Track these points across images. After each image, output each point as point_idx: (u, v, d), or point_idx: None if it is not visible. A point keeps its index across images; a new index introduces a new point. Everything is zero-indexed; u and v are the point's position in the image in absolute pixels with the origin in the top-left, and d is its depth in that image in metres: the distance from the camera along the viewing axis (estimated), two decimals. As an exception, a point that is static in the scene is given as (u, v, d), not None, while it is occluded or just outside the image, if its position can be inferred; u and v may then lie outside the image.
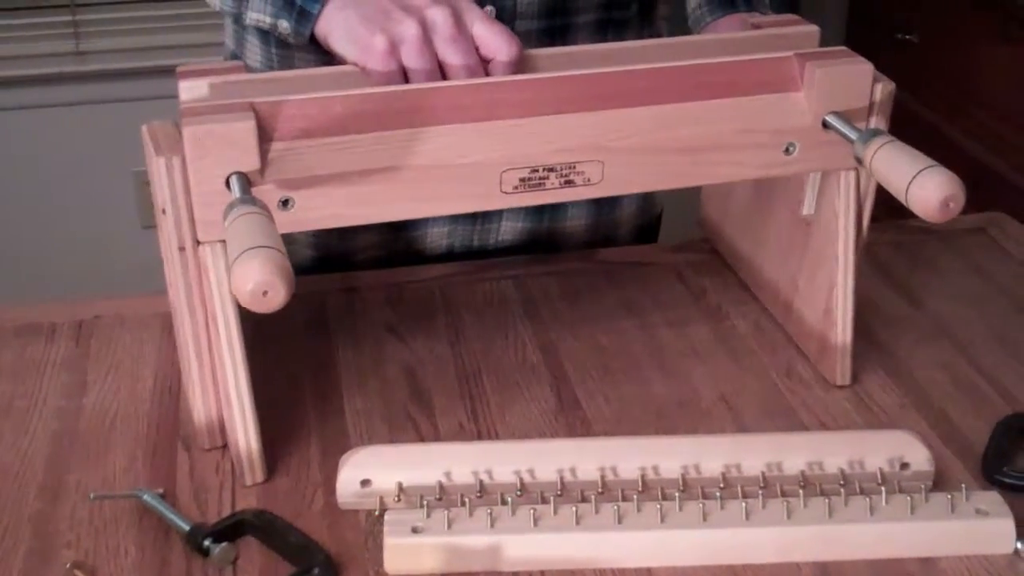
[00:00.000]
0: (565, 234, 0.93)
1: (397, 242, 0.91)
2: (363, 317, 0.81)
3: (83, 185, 1.85)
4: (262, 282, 0.51)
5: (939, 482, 0.65)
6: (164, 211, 0.61)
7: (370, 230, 0.90)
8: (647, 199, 0.98)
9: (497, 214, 0.90)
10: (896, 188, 0.64)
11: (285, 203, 0.62)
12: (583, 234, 0.94)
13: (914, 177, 0.62)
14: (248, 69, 0.87)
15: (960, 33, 1.71)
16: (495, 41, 0.66)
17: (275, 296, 0.51)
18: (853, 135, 0.67)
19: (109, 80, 1.82)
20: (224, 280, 0.61)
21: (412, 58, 0.65)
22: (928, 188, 0.62)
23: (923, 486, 0.64)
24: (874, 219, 0.75)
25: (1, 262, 1.91)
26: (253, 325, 0.68)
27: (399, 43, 0.65)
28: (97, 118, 1.82)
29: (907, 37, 1.70)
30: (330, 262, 0.92)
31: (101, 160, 1.84)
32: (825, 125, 0.69)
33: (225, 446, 0.67)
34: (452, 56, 0.65)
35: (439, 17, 0.65)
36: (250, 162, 0.59)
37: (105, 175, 1.85)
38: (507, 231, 0.91)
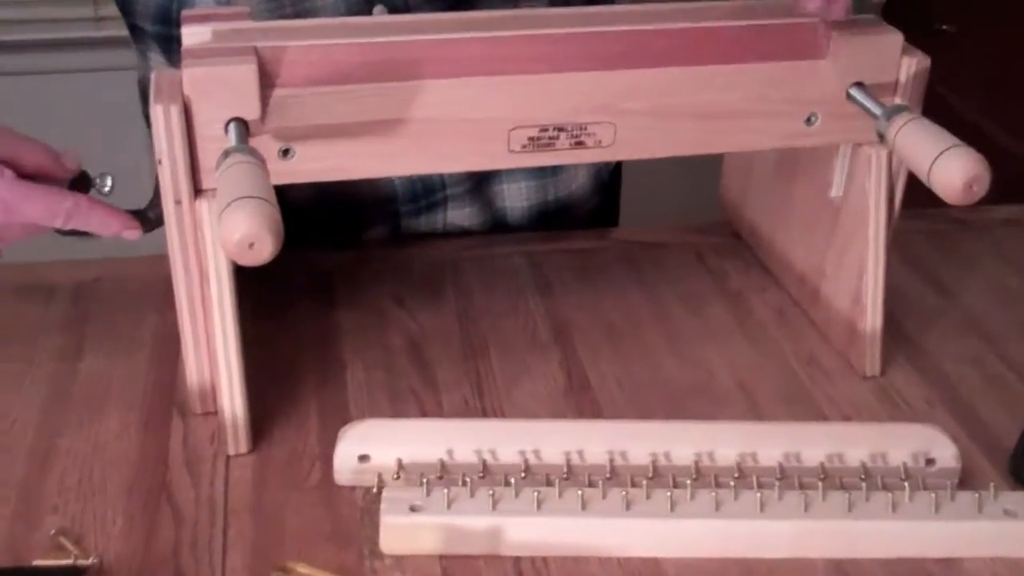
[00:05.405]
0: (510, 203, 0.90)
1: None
2: (370, 287, 0.79)
3: (99, 151, 1.83)
4: (249, 234, 0.48)
5: (965, 480, 0.62)
6: (160, 162, 0.58)
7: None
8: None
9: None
10: (918, 168, 0.61)
11: (285, 152, 0.60)
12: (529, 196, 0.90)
13: (937, 157, 0.59)
14: None
15: (999, 23, 1.66)
16: None
17: (262, 249, 0.49)
18: (877, 110, 0.65)
19: (127, 47, 1.80)
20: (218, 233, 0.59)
21: None
22: (951, 169, 0.59)
23: (949, 483, 0.61)
24: (903, 206, 0.72)
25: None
26: (257, 290, 0.66)
27: None
28: (114, 84, 1.80)
29: (944, 27, 1.66)
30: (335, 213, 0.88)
31: (117, 127, 1.83)
32: (849, 97, 0.66)
33: (217, 412, 0.65)
34: None
35: None
36: (250, 108, 0.57)
37: (122, 142, 1.83)
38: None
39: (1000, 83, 1.64)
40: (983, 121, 1.58)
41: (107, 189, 0.66)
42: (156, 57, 0.84)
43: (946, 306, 0.80)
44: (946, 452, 0.62)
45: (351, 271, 0.81)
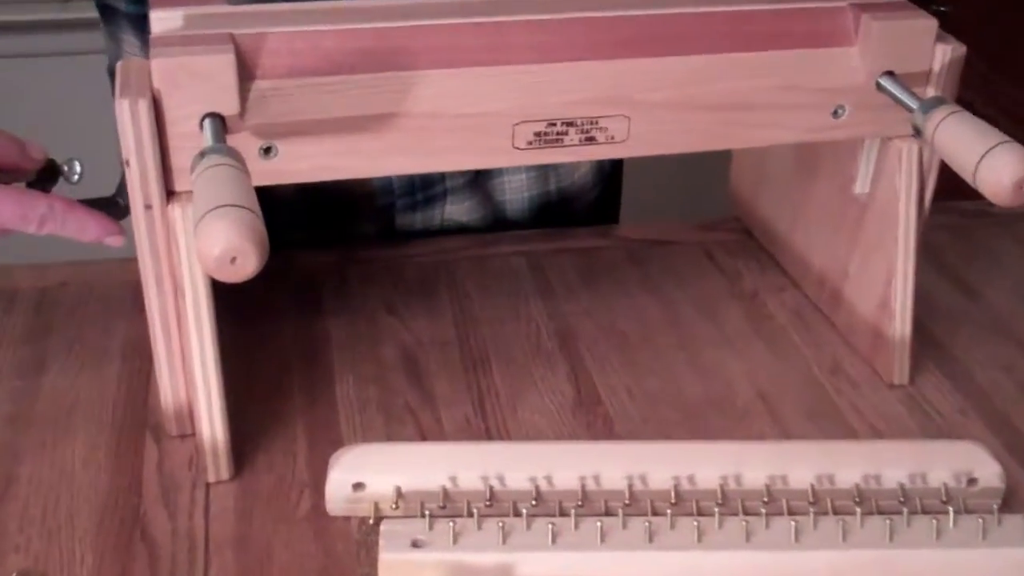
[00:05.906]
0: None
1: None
2: (361, 293, 0.73)
3: (68, 138, 1.77)
4: (230, 247, 0.43)
5: (1007, 499, 0.58)
6: (128, 162, 0.52)
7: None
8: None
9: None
10: (962, 166, 0.56)
11: (267, 151, 0.54)
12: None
13: (984, 155, 0.55)
14: None
15: (997, 3, 1.62)
16: None
17: (245, 264, 0.43)
18: (912, 103, 0.60)
19: (95, 29, 1.74)
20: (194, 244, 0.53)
21: None
22: (1000, 168, 0.54)
23: (993, 505, 0.56)
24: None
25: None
26: (238, 301, 0.60)
27: None
28: (82, 68, 1.73)
29: (942, 8, 1.61)
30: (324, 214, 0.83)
31: (87, 113, 1.76)
32: (879, 88, 0.61)
33: (195, 434, 0.59)
34: None
35: None
36: (228, 103, 0.51)
37: (92, 129, 1.76)
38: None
39: (996, 65, 1.60)
40: (980, 105, 1.54)
41: (76, 177, 0.60)
42: (130, 39, 0.78)
43: (973, 307, 0.75)
44: (989, 471, 0.57)
45: (340, 274, 0.75)
